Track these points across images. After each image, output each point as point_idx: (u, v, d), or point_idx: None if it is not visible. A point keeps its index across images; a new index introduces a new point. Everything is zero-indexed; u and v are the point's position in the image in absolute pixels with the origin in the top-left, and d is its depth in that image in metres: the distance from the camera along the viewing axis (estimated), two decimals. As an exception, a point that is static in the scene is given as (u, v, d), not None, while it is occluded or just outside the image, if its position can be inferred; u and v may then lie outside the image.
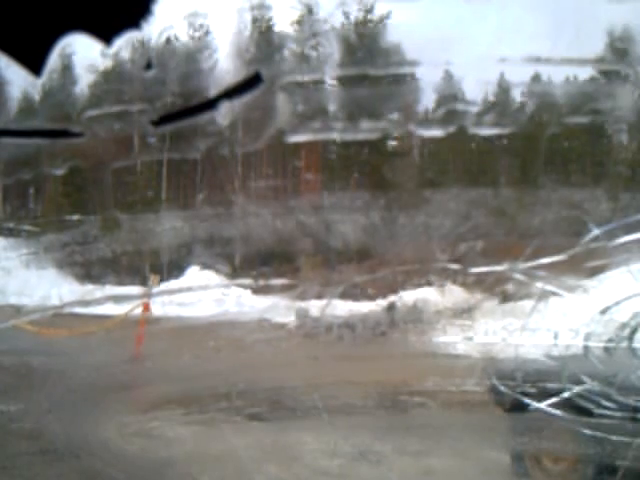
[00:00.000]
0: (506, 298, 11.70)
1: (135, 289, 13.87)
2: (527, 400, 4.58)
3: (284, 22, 19.46)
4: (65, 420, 5.45)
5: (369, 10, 18.76)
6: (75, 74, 19.04)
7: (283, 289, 12.30)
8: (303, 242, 14.48)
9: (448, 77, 17.72)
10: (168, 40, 18.49)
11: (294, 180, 18.78)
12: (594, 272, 9.67)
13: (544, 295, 6.19)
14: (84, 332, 8.76)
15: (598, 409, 4.25)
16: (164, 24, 16.44)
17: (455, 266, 11.56)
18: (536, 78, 17.65)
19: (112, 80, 17.16)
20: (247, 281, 14.55)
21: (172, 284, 14.80)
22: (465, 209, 13.56)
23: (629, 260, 5.31)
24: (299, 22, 19.04)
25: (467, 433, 5.19)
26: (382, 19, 18.58)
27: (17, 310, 10.79)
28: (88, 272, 15.48)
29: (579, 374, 4.43)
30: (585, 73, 16.47)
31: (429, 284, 12.63)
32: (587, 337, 4.81)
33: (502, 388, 4.71)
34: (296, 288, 11.25)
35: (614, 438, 4.10)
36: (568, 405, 4.43)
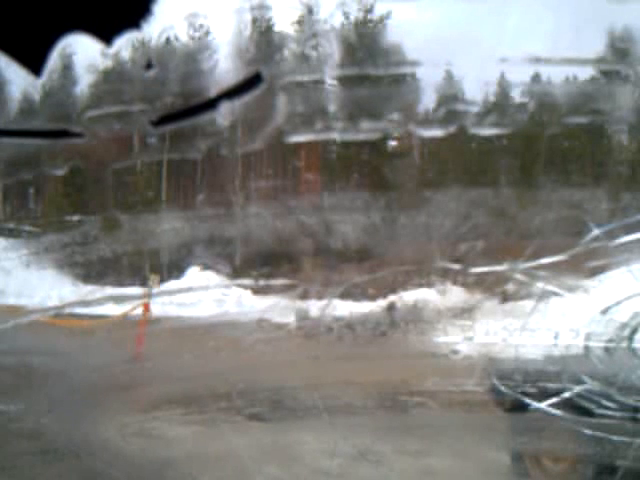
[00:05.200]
0: (506, 298, 11.69)
1: (135, 289, 13.87)
2: (527, 400, 4.58)
3: (284, 22, 19.46)
4: (66, 418, 5.46)
5: (369, 10, 18.75)
6: (75, 74, 19.04)
7: (283, 289, 12.30)
8: (303, 242, 14.47)
9: (448, 77, 17.70)
10: (168, 40, 18.48)
11: (294, 180, 18.78)
12: (594, 272, 9.66)
13: (544, 295, 6.19)
14: (88, 325, 8.93)
15: (598, 409, 4.25)
16: (164, 24, 16.43)
17: (455, 266, 11.55)
18: (536, 78, 17.65)
19: (112, 80, 17.15)
20: (247, 281, 14.53)
21: (172, 284, 14.80)
22: (465, 209, 13.56)
23: (629, 260, 5.31)
24: (299, 22, 19.03)
25: (467, 433, 5.19)
26: (382, 19, 18.57)
27: (17, 310, 10.78)
28: (88, 272, 15.47)
29: (579, 374, 4.43)
30: (585, 73, 16.46)
31: (429, 284, 12.63)
32: (587, 337, 4.81)
33: (502, 388, 4.71)
34: (296, 288, 11.25)
35: (614, 438, 4.10)
36: (568, 405, 4.43)
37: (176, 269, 15.54)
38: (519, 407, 4.66)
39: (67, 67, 18.57)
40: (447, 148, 18.90)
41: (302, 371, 7.08)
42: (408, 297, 12.14)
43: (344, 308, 10.73)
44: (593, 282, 9.72)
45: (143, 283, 14.14)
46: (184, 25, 19.07)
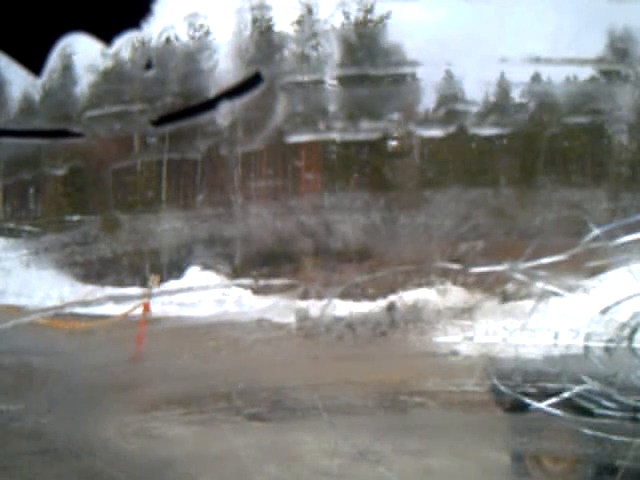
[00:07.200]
0: (506, 298, 11.69)
1: (135, 289, 13.87)
2: (527, 400, 4.58)
3: (284, 22, 19.45)
4: (66, 418, 5.46)
5: (369, 10, 18.75)
6: (75, 74, 19.03)
7: (283, 289, 12.29)
8: (303, 242, 14.47)
9: (448, 77, 17.68)
10: (168, 40, 18.47)
11: (294, 180, 18.77)
12: (594, 272, 9.66)
13: (544, 295, 6.19)
14: (87, 327, 8.94)
15: (598, 409, 4.25)
16: (164, 24, 16.43)
17: (455, 266, 11.55)
18: (536, 78, 17.64)
19: (112, 80, 17.14)
20: (247, 281, 14.53)
21: (172, 284, 14.80)
22: (465, 209, 13.55)
23: (629, 260, 5.31)
24: (299, 22, 19.02)
25: (467, 433, 5.19)
26: (382, 19, 18.56)
27: (17, 310, 10.77)
28: (88, 272, 15.47)
29: (579, 374, 4.43)
30: (585, 73, 16.46)
31: (429, 284, 12.62)
32: (587, 337, 4.82)
33: (502, 388, 4.71)
34: (296, 288, 11.24)
35: (614, 438, 4.10)
36: (568, 405, 4.43)
37: (176, 269, 15.53)
38: (519, 407, 4.66)
39: (67, 67, 18.55)
40: (447, 148, 18.90)
41: (302, 371, 7.08)
42: (408, 297, 12.13)
43: (344, 308, 10.73)
44: (593, 282, 9.72)
45: (143, 283, 14.15)
46: (184, 25, 19.07)
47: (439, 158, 19.48)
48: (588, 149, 18.01)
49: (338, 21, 18.47)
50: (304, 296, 10.71)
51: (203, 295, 13.80)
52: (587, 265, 7.16)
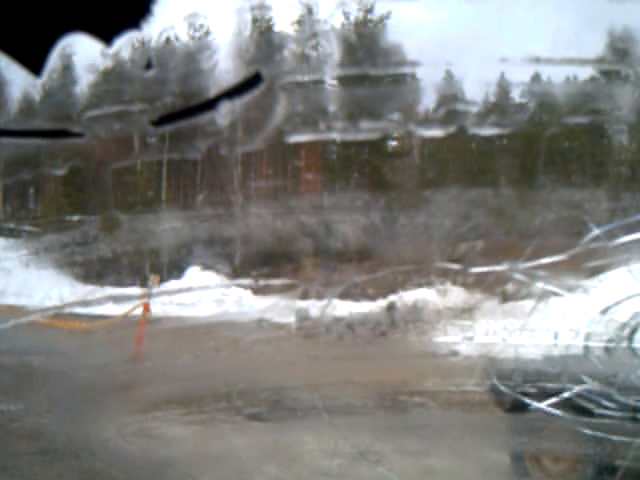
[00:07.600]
0: (506, 298, 11.69)
1: (135, 289, 13.87)
2: (527, 400, 4.58)
3: (284, 22, 19.47)
4: (66, 418, 5.46)
5: (369, 10, 18.76)
6: (75, 74, 19.03)
7: (283, 289, 12.29)
8: (303, 242, 14.47)
9: (448, 77, 17.67)
10: (168, 40, 18.48)
11: (294, 180, 18.78)
12: (594, 272, 9.67)
13: (544, 295, 6.20)
14: (87, 327, 8.95)
15: (598, 409, 4.25)
16: (164, 24, 16.45)
17: (455, 266, 11.55)
18: (536, 78, 17.65)
19: (112, 80, 17.14)
20: (247, 281, 14.54)
21: (172, 284, 14.81)
22: (465, 209, 13.55)
23: (629, 260, 5.31)
24: (299, 22, 19.03)
25: (467, 433, 5.19)
26: (382, 19, 18.57)
27: (17, 310, 10.77)
28: (88, 272, 15.48)
29: (579, 374, 4.43)
30: (585, 73, 16.46)
31: (429, 284, 12.62)
32: (587, 337, 4.82)
33: (502, 388, 4.71)
34: (296, 288, 11.24)
35: (614, 438, 4.11)
36: (568, 405, 4.43)
37: (176, 269, 15.54)
38: (519, 407, 4.66)
39: (67, 67, 18.55)
40: (447, 148, 18.91)
41: (302, 371, 7.08)
42: (408, 297, 12.13)
43: (344, 308, 10.73)
44: (593, 282, 9.73)
45: (143, 283, 14.15)
46: (184, 25, 19.07)
47: (439, 158, 19.49)
48: (588, 149, 18.01)
49: (338, 21, 18.51)
50: (304, 296, 10.71)
51: (203, 295, 13.81)
52: (587, 265, 7.16)
